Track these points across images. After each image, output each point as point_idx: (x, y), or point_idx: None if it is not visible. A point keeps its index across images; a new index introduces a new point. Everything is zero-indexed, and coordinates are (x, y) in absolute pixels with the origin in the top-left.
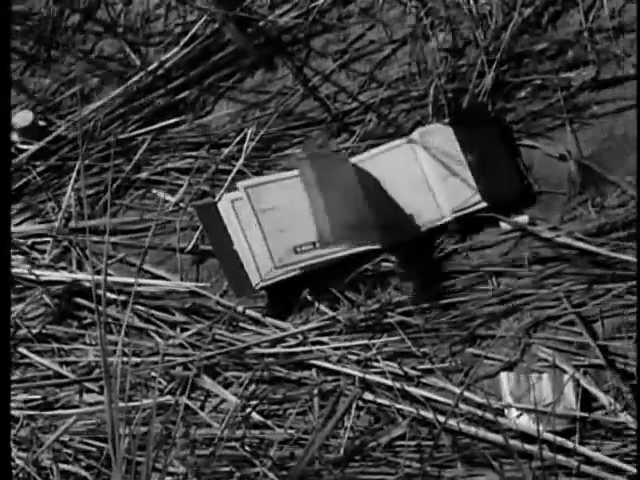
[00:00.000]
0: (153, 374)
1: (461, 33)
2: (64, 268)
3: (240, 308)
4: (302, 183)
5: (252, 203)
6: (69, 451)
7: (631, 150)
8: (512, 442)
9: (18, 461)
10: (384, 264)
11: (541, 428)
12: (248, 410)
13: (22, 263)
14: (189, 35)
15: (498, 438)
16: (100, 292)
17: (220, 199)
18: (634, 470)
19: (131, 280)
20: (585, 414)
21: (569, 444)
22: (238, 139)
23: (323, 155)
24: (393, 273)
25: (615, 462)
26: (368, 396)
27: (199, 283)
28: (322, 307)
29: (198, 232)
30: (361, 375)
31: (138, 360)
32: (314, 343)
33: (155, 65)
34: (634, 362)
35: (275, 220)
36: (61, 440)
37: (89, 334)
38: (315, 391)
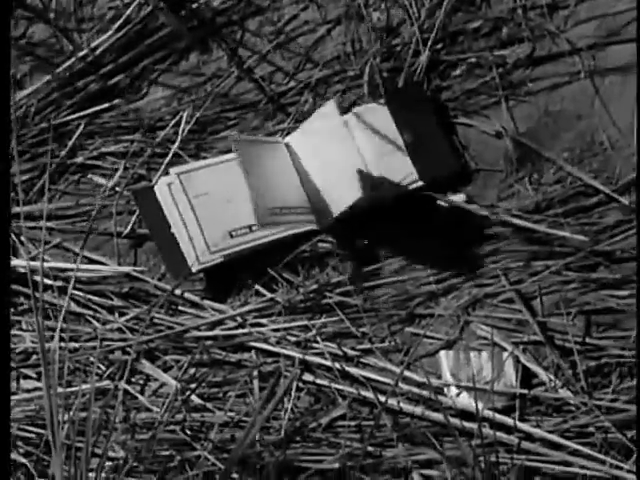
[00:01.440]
0: (91, 359)
1: (395, 12)
2: None
3: (178, 291)
4: (239, 167)
5: (185, 189)
6: None
7: (567, 126)
8: (452, 420)
9: None
10: (322, 245)
11: (481, 406)
12: (188, 393)
13: None
14: (122, 19)
15: (438, 417)
16: (36, 278)
17: (156, 183)
18: (574, 446)
19: (68, 265)
20: (525, 391)
21: (509, 421)
22: (173, 122)
23: (257, 138)
24: (331, 254)
25: (555, 438)
26: (308, 377)
27: (137, 267)
28: (260, 289)
29: (135, 216)
30: (300, 356)
31: (76, 345)
32: (253, 325)
33: (88, 50)
34: (573, 338)
35: (210, 205)
36: None
37: (26, 320)
38: (255, 373)
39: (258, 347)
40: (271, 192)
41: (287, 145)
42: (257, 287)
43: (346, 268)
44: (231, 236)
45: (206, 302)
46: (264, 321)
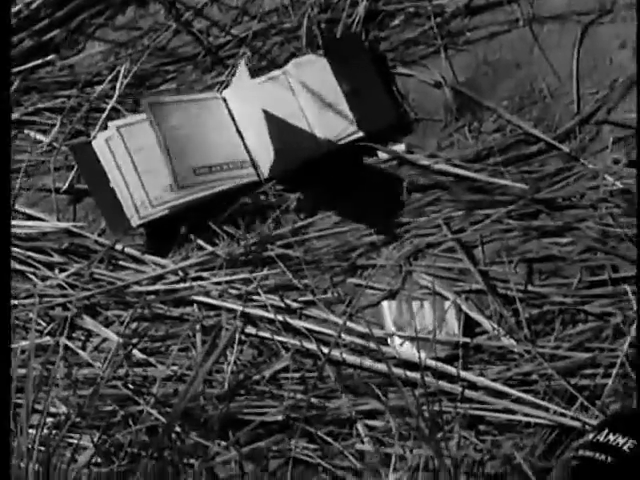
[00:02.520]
0: (31, 315)
1: None
2: None
3: (119, 247)
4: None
5: (125, 142)
6: None
7: (506, 75)
8: (395, 370)
9: None
10: (263, 197)
11: (423, 355)
12: (130, 348)
13: None
14: None
15: (381, 367)
16: None
17: (95, 138)
18: (517, 394)
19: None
20: (467, 340)
21: (452, 370)
22: (111, 77)
23: (173, 99)
24: (272, 206)
25: (498, 386)
26: (250, 330)
27: (76, 223)
28: (201, 243)
29: (73, 172)
30: (242, 309)
31: (15, 302)
32: (194, 279)
33: (22, 5)
34: (515, 286)
35: (151, 158)
36: None
37: None
38: (197, 327)
39: (200, 301)
40: (197, 151)
41: (224, 99)
42: (198, 241)
43: (287, 220)
44: (171, 189)
45: (147, 257)
46: (205, 274)
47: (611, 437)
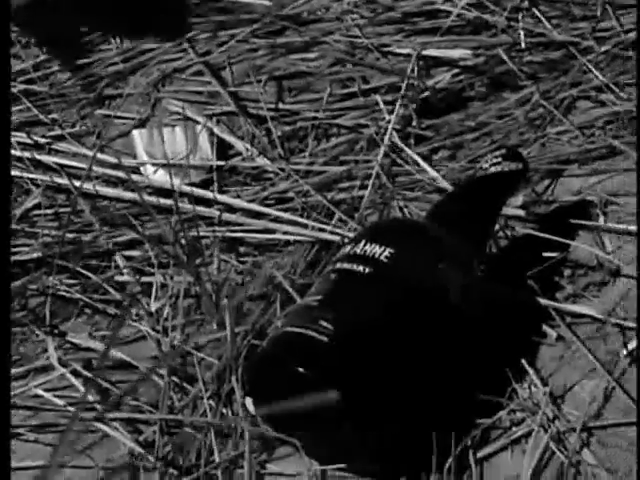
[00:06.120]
0: None
1: None
2: None
3: None
4: None
5: None
6: None
7: None
8: (149, 199)
9: None
10: None
11: (178, 181)
12: None
13: None
14: None
15: (136, 197)
16: None
17: None
18: (275, 212)
19: None
20: (222, 162)
21: (208, 194)
22: None
23: None
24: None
25: (255, 206)
26: None
27: None
28: None
29: None
30: None
31: None
32: None
33: None
34: (266, 105)
35: None
36: None
37: None
38: None
39: None
40: None
41: None
42: None
43: (28, 55)
44: None
45: None
46: None
47: (368, 248)
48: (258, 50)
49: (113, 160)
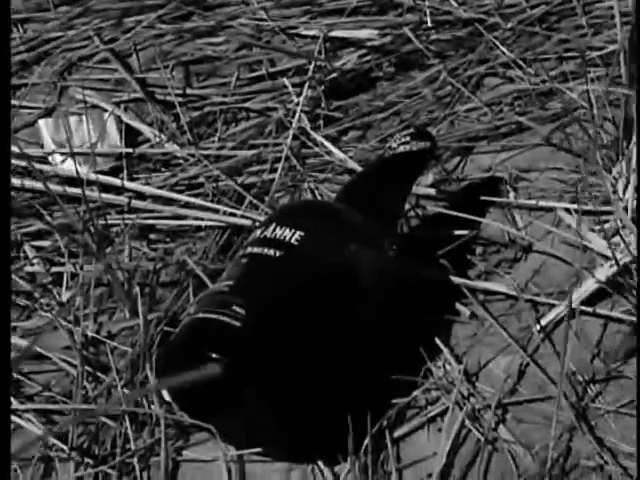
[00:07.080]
0: None
1: None
2: None
3: None
4: None
5: None
6: None
7: None
8: (56, 188)
9: None
10: None
11: (86, 170)
12: None
13: None
14: None
15: (43, 187)
16: None
17: None
18: (186, 198)
19: None
20: (130, 150)
21: (117, 182)
22: None
23: None
24: None
25: (165, 192)
26: None
27: None
28: None
29: None
30: None
31: None
32: None
33: None
34: (173, 91)
35: None
36: None
37: None
38: None
39: None
40: None
41: None
42: None
43: None
44: None
45: None
46: None
47: (278, 231)
48: (164, 36)
49: (20, 150)
